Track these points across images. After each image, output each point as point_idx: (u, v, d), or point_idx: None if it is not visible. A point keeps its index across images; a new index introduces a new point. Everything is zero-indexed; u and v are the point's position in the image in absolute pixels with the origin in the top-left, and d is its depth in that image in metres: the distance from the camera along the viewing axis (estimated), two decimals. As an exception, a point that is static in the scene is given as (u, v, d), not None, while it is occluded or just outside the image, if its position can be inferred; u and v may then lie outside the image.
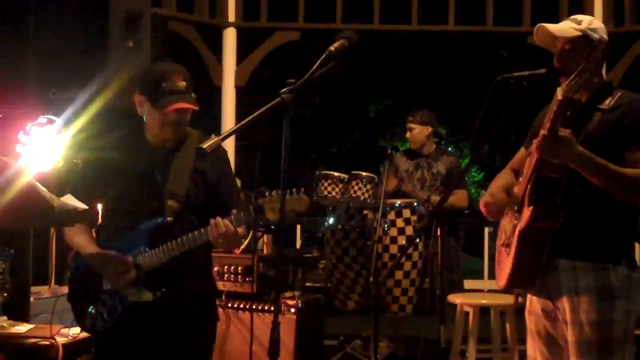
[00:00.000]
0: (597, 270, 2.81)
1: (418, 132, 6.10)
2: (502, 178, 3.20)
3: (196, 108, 3.08)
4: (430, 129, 6.13)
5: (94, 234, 3.24)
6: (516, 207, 2.89)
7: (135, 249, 3.07)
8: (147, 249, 3.06)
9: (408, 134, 6.16)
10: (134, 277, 3.05)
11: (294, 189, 2.89)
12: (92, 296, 3.13)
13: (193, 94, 3.10)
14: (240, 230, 3.05)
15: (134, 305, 3.07)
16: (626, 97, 2.89)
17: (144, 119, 3.16)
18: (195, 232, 3.01)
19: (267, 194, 2.91)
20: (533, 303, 3.03)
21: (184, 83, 3.06)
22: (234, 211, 2.97)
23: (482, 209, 3.10)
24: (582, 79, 2.75)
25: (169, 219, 3.07)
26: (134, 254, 3.07)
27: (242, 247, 5.09)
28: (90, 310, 3.12)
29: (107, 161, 3.17)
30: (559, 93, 2.69)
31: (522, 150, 3.20)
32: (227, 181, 3.26)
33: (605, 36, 2.95)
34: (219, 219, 2.95)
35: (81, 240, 3.17)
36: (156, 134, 3.15)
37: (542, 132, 2.69)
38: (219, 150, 3.25)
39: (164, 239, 3.03)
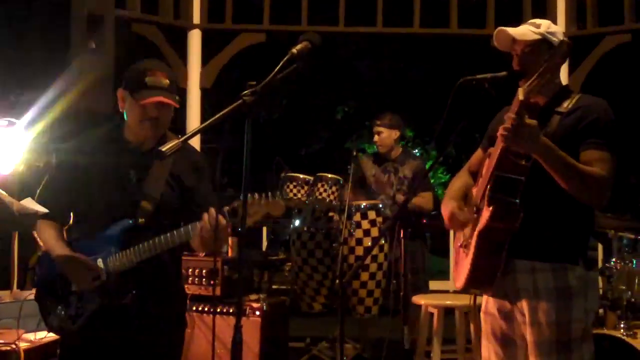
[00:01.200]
0: (556, 271, 2.84)
1: (386, 135, 6.10)
2: (460, 180, 3.22)
3: (176, 105, 3.05)
4: (398, 133, 6.14)
5: (64, 233, 3.19)
6: (475, 209, 2.91)
7: (106, 250, 3.03)
8: (117, 251, 3.01)
9: (376, 138, 6.14)
10: (101, 281, 3.01)
11: (270, 193, 2.82)
12: (60, 297, 3.09)
13: (177, 97, 3.07)
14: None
15: (102, 308, 3.03)
16: (584, 100, 2.93)
17: (125, 116, 3.11)
18: (175, 231, 2.93)
19: (241, 196, 2.87)
20: (489, 303, 3.05)
21: (168, 81, 3.03)
22: (226, 207, 2.87)
23: (446, 218, 3.10)
24: (544, 80, 2.77)
25: (140, 220, 3.03)
26: (105, 255, 3.02)
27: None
28: (58, 310, 3.08)
29: (82, 161, 3.12)
30: (520, 93, 2.72)
31: (479, 151, 3.23)
32: (203, 188, 3.21)
33: (566, 40, 2.98)
34: (212, 209, 2.86)
35: (50, 240, 3.11)
36: (135, 131, 3.10)
37: (510, 115, 2.70)
38: (198, 156, 3.25)
39: (135, 241, 2.99)
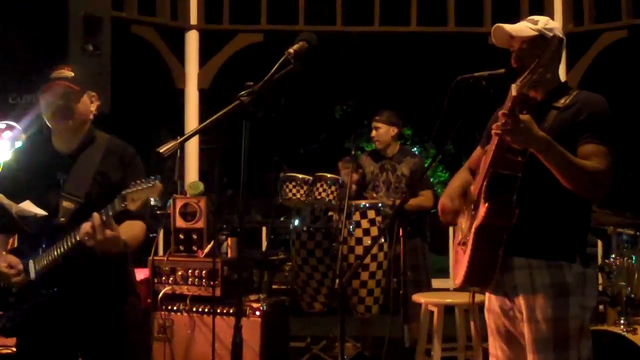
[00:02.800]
0: (552, 268, 2.84)
1: (384, 131, 6.10)
2: (460, 178, 3.21)
3: (74, 87, 3.16)
4: (396, 130, 6.15)
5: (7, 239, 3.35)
6: (472, 206, 2.91)
7: (37, 250, 3.15)
8: (44, 250, 3.13)
9: (374, 133, 6.15)
10: (27, 279, 3.10)
11: (151, 177, 2.94)
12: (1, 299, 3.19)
13: (92, 93, 3.24)
14: (109, 231, 2.96)
15: (34, 305, 3.13)
16: (581, 96, 2.93)
17: (48, 124, 3.27)
18: (73, 232, 3.04)
19: (131, 184, 2.95)
20: (491, 301, 3.05)
21: (72, 73, 3.18)
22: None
23: (440, 212, 3.11)
24: (536, 74, 2.75)
25: (61, 219, 3.13)
26: (35, 255, 3.14)
27: (207, 250, 5.06)
28: None
29: (18, 166, 3.30)
30: (514, 89, 2.70)
31: (478, 149, 3.22)
32: (131, 182, 3.26)
33: (560, 35, 2.98)
34: (95, 214, 2.94)
35: None
36: (55, 131, 3.25)
37: (503, 111, 2.69)
38: (126, 152, 3.33)
39: (59, 240, 3.09)
